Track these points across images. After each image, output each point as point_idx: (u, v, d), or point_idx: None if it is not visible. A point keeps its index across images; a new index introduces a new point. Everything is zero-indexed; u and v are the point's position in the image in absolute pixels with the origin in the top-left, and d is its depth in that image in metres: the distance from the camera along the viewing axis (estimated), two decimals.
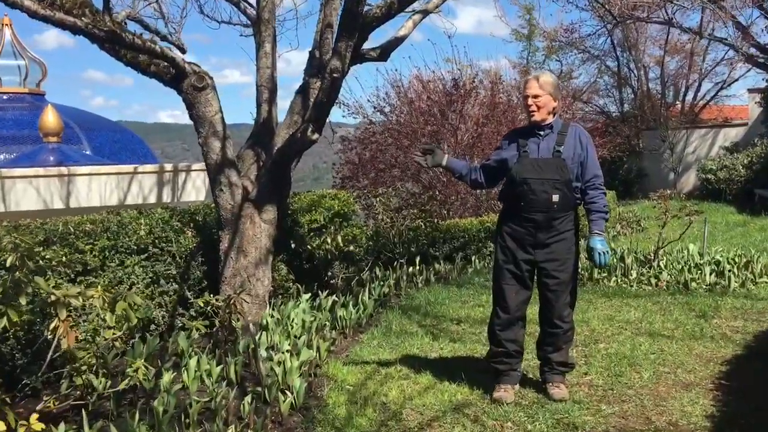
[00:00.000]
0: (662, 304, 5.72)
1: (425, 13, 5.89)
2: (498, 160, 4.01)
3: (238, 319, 5.18)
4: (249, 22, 6.94)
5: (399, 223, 7.98)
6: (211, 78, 5.54)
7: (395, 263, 7.79)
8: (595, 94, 20.87)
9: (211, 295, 5.23)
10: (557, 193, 3.70)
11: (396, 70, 9.77)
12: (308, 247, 6.86)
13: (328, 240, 6.34)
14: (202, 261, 5.82)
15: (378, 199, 8.03)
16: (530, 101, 3.82)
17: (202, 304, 4.96)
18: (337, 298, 5.98)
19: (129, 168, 10.52)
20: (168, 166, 11.00)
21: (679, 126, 17.19)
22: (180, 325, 5.49)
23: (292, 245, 6.69)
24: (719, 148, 16.42)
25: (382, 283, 6.71)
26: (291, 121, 5.98)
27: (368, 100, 9.65)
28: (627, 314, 5.47)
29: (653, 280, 6.32)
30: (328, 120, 6.16)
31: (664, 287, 6.19)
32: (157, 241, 5.51)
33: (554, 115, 3.86)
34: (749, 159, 13.58)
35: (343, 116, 9.65)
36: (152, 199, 10.71)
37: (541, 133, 3.83)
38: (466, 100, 9.15)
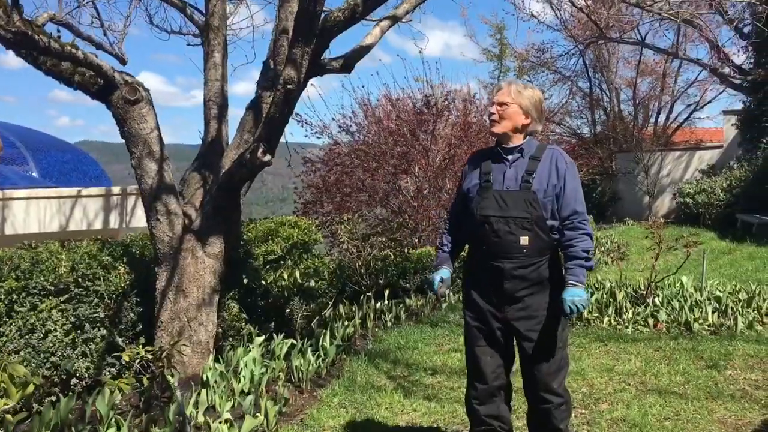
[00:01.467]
0: (665, 350, 5.02)
1: (394, 19, 5.21)
2: (461, 198, 3.24)
3: (172, 375, 4.37)
4: (198, 31, 6.19)
5: (366, 253, 7.24)
6: (147, 90, 4.78)
7: (362, 297, 7.07)
8: (567, 115, 20.48)
9: (142, 345, 4.43)
10: (526, 235, 2.94)
11: (363, 86, 9.08)
12: (263, 281, 6.08)
13: (285, 275, 5.55)
14: (137, 301, 5.04)
15: (342, 226, 7.28)
16: (494, 108, 3.08)
17: (127, 359, 4.14)
18: (295, 341, 5.23)
19: (72, 191, 9.64)
20: (116, 189, 10.15)
21: (653, 149, 16.80)
22: (109, 376, 4.69)
23: (245, 280, 5.91)
24: (695, 171, 16.03)
25: (346, 322, 5.95)
26: (241, 141, 5.22)
27: (333, 119, 8.92)
28: (627, 364, 4.76)
29: (650, 320, 5.63)
30: (285, 140, 5.44)
31: (664, 329, 5.51)
32: (81, 279, 4.70)
33: (526, 136, 3.09)
34: (728, 182, 13.13)
35: (306, 136, 8.91)
36: (98, 225, 9.86)
37: (509, 157, 3.06)
38: (438, 119, 8.48)
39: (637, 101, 19.04)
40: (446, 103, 8.79)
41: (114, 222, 9.99)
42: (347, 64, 5.13)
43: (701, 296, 6.04)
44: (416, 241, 7.87)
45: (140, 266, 5.18)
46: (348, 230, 7.37)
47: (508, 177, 3.03)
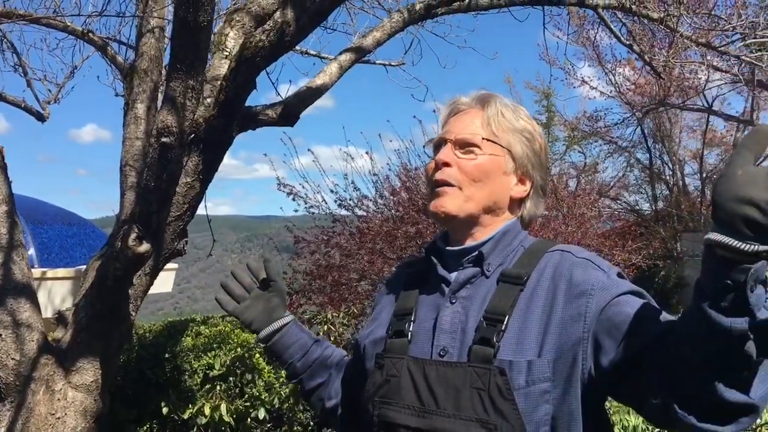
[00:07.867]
0: None
1: (359, 52, 3.70)
2: (355, 360, 1.48)
3: None
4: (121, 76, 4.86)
5: None
6: None
7: None
8: (624, 189, 18.60)
9: None
10: None
11: (368, 152, 7.63)
12: (194, 409, 4.48)
13: (206, 409, 3.92)
14: None
15: (326, 328, 5.66)
16: (445, 153, 1.32)
17: None
18: None
19: (35, 273, 8.34)
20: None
21: None
22: None
23: (164, 408, 4.33)
24: None
25: None
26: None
27: (332, 191, 7.43)
28: None
29: None
30: (209, 216, 3.94)
31: None
32: None
33: (509, 221, 1.36)
34: None
35: (296, 211, 7.44)
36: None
37: (452, 276, 1.32)
38: None
39: (704, 175, 17.07)
40: None
41: None
42: (288, 113, 3.60)
43: None
44: None
45: None
46: (337, 331, 5.74)
47: (446, 326, 1.25)
